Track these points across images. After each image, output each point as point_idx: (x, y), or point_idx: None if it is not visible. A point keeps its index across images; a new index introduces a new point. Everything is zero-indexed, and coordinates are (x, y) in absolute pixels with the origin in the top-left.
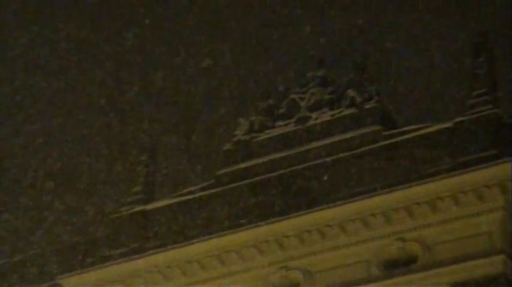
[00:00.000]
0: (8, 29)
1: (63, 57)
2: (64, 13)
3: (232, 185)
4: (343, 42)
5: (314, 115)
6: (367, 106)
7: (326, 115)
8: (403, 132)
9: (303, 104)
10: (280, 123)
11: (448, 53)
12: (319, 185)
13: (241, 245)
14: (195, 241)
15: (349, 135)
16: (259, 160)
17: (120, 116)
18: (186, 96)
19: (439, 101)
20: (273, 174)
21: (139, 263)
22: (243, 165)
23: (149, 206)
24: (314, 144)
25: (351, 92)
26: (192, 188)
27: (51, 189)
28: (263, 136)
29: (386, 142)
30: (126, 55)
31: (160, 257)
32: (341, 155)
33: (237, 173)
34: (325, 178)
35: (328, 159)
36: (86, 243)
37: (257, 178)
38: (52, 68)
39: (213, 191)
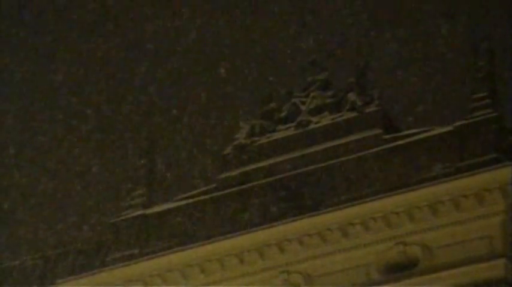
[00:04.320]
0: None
1: (61, 56)
2: (64, 9)
3: (233, 189)
4: (343, 45)
5: (315, 119)
6: (367, 110)
7: (327, 119)
8: (404, 136)
9: (303, 107)
10: (281, 127)
11: (449, 57)
12: (320, 189)
13: (242, 249)
14: (195, 245)
15: (350, 139)
16: (260, 164)
17: (120, 120)
18: (186, 100)
19: (439, 105)
20: (274, 178)
21: (140, 267)
22: (243, 169)
23: (149, 210)
24: (315, 148)
25: (351, 96)
26: (193, 192)
27: (51, 192)
28: (264, 140)
29: (387, 146)
30: (126, 57)
31: (161, 262)
32: (342, 158)
33: (237, 177)
34: (326, 181)
35: (329, 163)
36: (86, 247)
37: (258, 182)
38: (51, 68)
39: (214, 195)
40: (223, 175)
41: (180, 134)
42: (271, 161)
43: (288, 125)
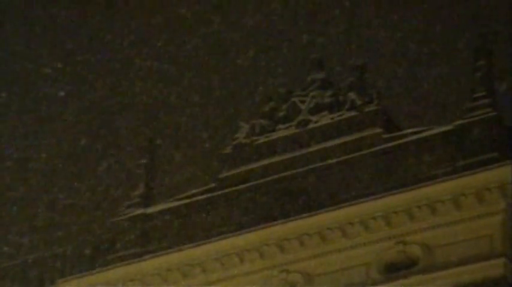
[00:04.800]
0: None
1: (61, 57)
2: (65, 10)
3: (233, 188)
4: (343, 45)
5: (315, 118)
6: (367, 109)
7: (326, 118)
8: (404, 135)
9: (303, 107)
10: (281, 126)
11: (449, 56)
12: (320, 188)
13: (241, 249)
14: (195, 244)
15: (349, 138)
16: (260, 163)
17: (119, 119)
18: (186, 99)
19: (439, 104)
20: (273, 177)
21: (140, 266)
22: (243, 168)
23: (149, 210)
24: (315, 147)
25: (351, 95)
26: (193, 192)
27: (51, 192)
28: (264, 139)
29: (387, 145)
30: (126, 57)
31: (161, 261)
32: (342, 158)
33: (237, 177)
34: (325, 181)
35: (328, 162)
36: (86, 246)
37: (258, 181)
38: (50, 69)
39: (214, 194)
40: (223, 175)
41: (180, 133)
42: (270, 160)
43: (287, 125)
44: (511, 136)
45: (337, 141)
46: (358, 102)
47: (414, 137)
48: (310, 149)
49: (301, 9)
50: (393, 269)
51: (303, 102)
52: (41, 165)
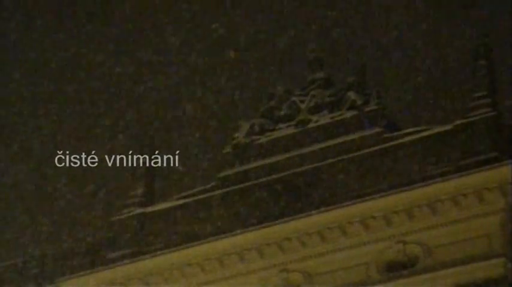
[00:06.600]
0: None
1: (62, 56)
2: (66, 10)
3: (233, 187)
4: (343, 44)
5: (314, 118)
6: (367, 109)
7: (326, 118)
8: (404, 135)
9: (303, 106)
10: (281, 125)
11: (449, 56)
12: (320, 188)
13: (241, 248)
14: (195, 243)
15: (349, 137)
16: (260, 163)
17: (120, 119)
18: (186, 99)
19: (439, 104)
20: (273, 176)
21: (140, 265)
22: (243, 167)
23: (149, 209)
24: (315, 146)
25: (351, 95)
26: (193, 191)
27: (51, 192)
28: (264, 139)
29: (387, 145)
30: (126, 56)
31: (161, 260)
32: (341, 157)
33: (237, 176)
34: (325, 180)
35: (328, 161)
36: (86, 245)
37: (257, 181)
38: (51, 69)
39: (214, 193)
40: (222, 174)
41: (180, 132)
42: (270, 159)
43: (287, 124)
44: (511, 136)
45: (337, 140)
46: (358, 102)
47: (414, 136)
48: (310, 149)
49: (301, 9)
50: (393, 268)
51: (303, 101)
52: (41, 164)
